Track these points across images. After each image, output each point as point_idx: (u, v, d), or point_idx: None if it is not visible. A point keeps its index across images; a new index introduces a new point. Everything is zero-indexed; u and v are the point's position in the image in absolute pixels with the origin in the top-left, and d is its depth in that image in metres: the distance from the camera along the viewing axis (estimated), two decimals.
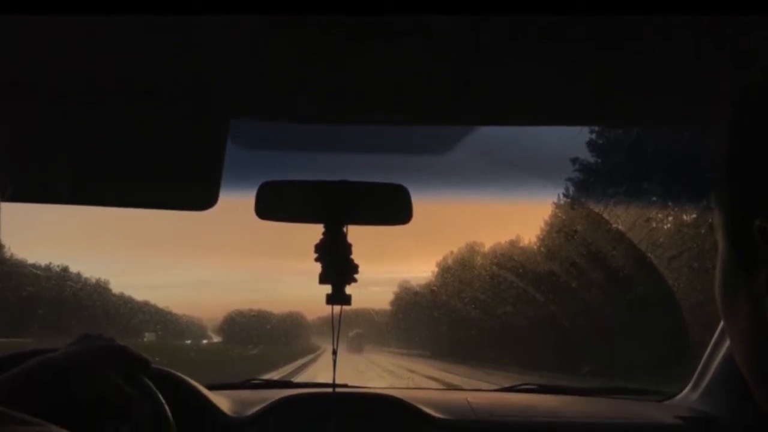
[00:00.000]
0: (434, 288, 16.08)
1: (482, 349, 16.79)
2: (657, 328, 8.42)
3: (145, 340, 13.78)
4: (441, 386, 10.75)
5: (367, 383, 3.04)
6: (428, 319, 17.01)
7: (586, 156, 9.18)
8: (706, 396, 2.56)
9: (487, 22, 1.27)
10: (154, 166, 1.66)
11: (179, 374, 2.22)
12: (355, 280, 1.75)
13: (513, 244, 13.19)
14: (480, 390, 3.06)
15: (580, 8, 1.18)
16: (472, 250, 15.33)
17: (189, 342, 19.82)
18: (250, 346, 18.07)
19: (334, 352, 1.80)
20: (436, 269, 16.59)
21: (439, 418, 2.37)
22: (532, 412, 2.51)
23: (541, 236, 11.75)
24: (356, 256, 1.76)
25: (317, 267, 1.74)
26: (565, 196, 8.51)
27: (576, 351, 11.50)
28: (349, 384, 2.76)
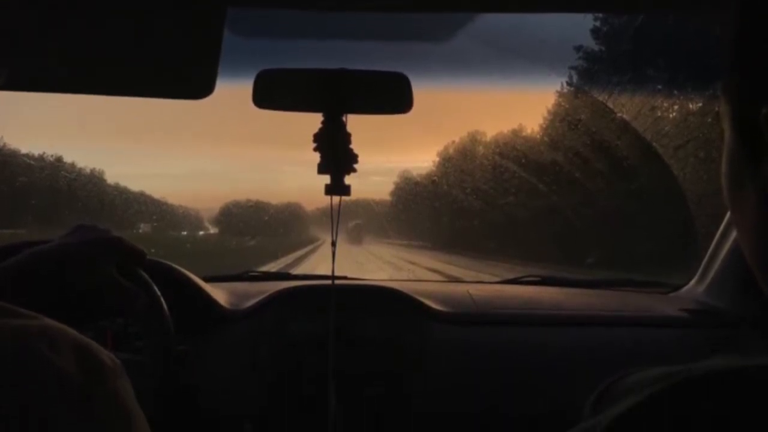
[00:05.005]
0: (435, 178, 16.15)
1: (484, 241, 16.89)
2: (662, 218, 8.43)
3: (140, 231, 13.88)
4: (442, 278, 10.87)
5: (367, 275, 3.05)
6: (429, 210, 17.12)
7: (590, 44, 9.05)
8: (713, 288, 2.55)
9: None
10: (149, 53, 1.61)
11: (175, 266, 2.22)
12: (354, 170, 1.72)
13: (516, 133, 13.17)
14: (482, 282, 3.06)
15: None
16: (473, 139, 15.34)
17: (185, 233, 19.99)
18: (247, 237, 18.26)
19: (333, 244, 1.78)
20: (437, 159, 16.65)
21: (440, 311, 2.37)
22: (534, 305, 2.51)
23: (544, 125, 11.72)
24: (356, 146, 1.72)
25: (316, 157, 1.71)
26: (569, 84, 8.41)
27: (580, 242, 11.54)
28: (349, 276, 2.76)
